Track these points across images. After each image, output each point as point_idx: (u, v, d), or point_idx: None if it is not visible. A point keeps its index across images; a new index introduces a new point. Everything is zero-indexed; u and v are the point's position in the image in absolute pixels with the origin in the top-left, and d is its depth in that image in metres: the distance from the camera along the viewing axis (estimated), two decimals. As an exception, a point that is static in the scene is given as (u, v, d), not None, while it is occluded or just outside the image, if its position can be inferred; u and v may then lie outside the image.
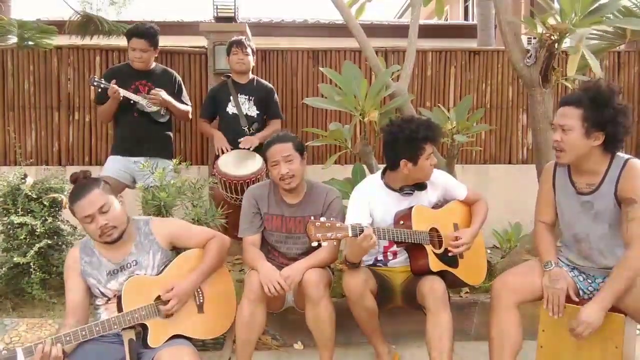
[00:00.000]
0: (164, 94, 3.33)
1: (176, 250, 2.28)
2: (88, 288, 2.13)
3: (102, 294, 2.12)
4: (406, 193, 2.42)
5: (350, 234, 2.07)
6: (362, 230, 2.09)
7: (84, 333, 1.89)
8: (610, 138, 1.97)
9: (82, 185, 2.06)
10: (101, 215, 2.02)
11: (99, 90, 3.31)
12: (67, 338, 1.85)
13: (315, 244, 2.05)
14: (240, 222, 2.55)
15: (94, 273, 2.11)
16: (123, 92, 3.25)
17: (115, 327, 1.95)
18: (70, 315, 2.06)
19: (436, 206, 2.53)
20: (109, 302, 2.12)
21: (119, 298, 2.03)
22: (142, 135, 3.38)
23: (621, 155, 2.03)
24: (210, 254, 2.23)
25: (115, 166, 3.40)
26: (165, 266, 2.18)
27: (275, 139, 2.47)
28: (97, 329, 1.92)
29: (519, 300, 2.11)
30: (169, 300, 2.06)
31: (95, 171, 4.00)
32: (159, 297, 2.09)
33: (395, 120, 2.43)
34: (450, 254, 2.39)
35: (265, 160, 2.48)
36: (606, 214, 2.02)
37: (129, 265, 2.13)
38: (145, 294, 2.06)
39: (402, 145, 2.30)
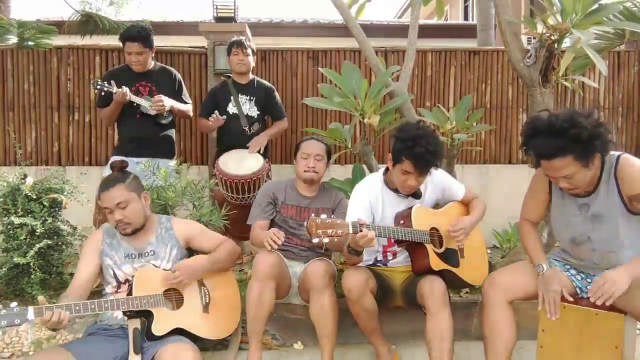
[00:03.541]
0: (166, 101, 3.32)
1: (190, 251, 2.37)
2: (99, 270, 2.23)
3: (115, 276, 2.21)
4: (402, 195, 2.43)
5: (350, 231, 2.09)
6: (362, 227, 2.11)
7: (92, 307, 1.95)
8: (602, 152, 1.92)
9: (112, 177, 2.22)
10: (118, 211, 2.15)
11: (102, 93, 3.28)
12: (77, 308, 1.91)
13: (316, 240, 2.05)
14: (251, 211, 2.68)
15: (111, 254, 2.24)
16: (130, 97, 3.24)
17: (123, 307, 2.02)
18: (73, 291, 2.10)
19: (436, 206, 2.54)
20: (119, 290, 2.20)
21: (130, 285, 2.11)
22: (145, 136, 3.39)
23: (611, 153, 1.97)
24: (220, 251, 2.35)
25: None
26: None
27: (312, 137, 2.78)
28: (106, 305, 1.99)
29: (510, 298, 2.11)
30: (180, 297, 2.19)
31: (95, 171, 4.07)
32: (167, 290, 2.16)
33: (413, 123, 2.43)
34: (452, 246, 2.40)
35: (296, 151, 2.73)
36: (606, 215, 2.00)
37: (147, 253, 2.25)
38: (155, 284, 2.15)
39: (395, 142, 2.33)
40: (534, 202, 2.23)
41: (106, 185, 2.18)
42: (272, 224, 2.68)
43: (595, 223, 2.03)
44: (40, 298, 1.89)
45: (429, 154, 2.23)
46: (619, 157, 1.97)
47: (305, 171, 2.64)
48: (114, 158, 3.44)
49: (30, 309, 1.81)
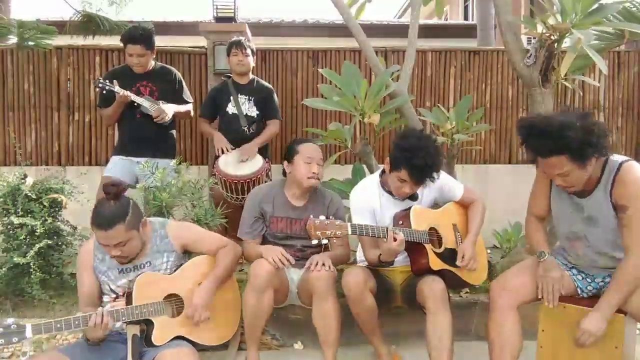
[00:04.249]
0: (168, 110, 3.31)
1: (188, 254, 2.31)
2: (99, 283, 2.16)
3: (112, 290, 2.15)
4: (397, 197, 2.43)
5: (349, 232, 2.09)
6: (361, 228, 2.15)
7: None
8: (600, 153, 1.90)
9: (108, 214, 1.98)
10: (116, 248, 2.01)
11: (104, 92, 3.26)
12: (76, 322, 1.88)
13: (315, 241, 2.06)
14: (241, 223, 2.59)
15: (104, 270, 2.15)
16: (133, 97, 3.25)
17: (124, 318, 1.98)
18: (84, 305, 2.10)
19: (434, 206, 2.54)
20: (117, 299, 2.14)
21: (129, 293, 2.05)
22: (145, 136, 3.38)
23: (615, 158, 1.95)
24: (223, 263, 2.26)
25: (117, 168, 3.39)
26: (178, 267, 2.21)
27: (310, 140, 2.66)
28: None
29: (518, 302, 2.10)
30: (181, 302, 2.13)
31: (95, 172, 4.07)
32: (168, 296, 2.12)
33: (416, 132, 2.44)
34: (460, 264, 2.38)
35: (293, 153, 2.54)
36: (601, 218, 1.98)
37: (142, 265, 2.16)
38: (155, 291, 2.09)
39: (395, 149, 2.32)
40: (539, 193, 2.19)
41: (103, 224, 1.96)
42: (262, 237, 2.62)
43: (590, 225, 2.02)
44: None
45: (427, 167, 2.24)
46: (622, 162, 1.93)
47: (309, 177, 2.49)
48: (114, 158, 3.46)
49: (28, 326, 1.79)
